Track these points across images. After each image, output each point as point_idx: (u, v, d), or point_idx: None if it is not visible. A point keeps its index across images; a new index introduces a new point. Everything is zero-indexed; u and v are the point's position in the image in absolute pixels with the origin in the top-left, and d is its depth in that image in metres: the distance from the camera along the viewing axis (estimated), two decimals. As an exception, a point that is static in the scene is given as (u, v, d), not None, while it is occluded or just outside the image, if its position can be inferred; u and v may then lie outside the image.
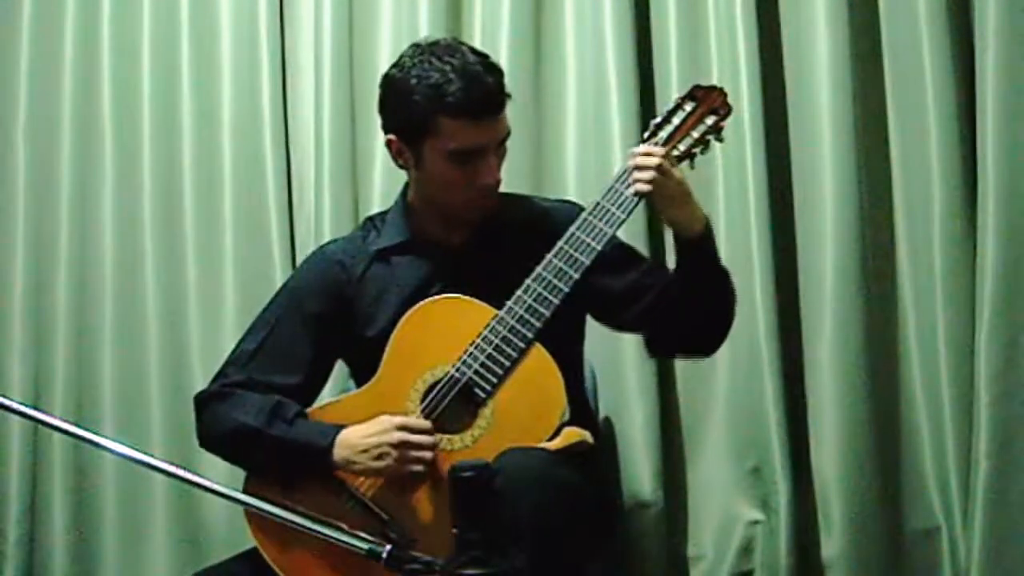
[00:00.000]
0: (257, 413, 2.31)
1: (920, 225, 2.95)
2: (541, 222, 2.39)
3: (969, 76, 2.91)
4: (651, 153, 2.29)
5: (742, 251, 2.99)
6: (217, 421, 2.37)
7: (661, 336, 2.45)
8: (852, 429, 2.92)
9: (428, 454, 2.23)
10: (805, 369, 2.98)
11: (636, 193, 2.27)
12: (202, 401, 2.41)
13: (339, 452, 2.26)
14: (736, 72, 2.97)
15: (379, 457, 2.24)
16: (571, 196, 3.02)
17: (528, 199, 2.56)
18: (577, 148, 3.11)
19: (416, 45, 2.36)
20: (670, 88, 3.00)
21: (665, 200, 2.30)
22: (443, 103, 2.27)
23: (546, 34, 3.14)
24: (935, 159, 2.93)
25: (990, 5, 2.82)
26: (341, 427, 2.28)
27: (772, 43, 3.02)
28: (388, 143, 2.38)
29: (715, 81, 2.97)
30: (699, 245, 2.32)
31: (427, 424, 2.25)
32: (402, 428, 2.24)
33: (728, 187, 3.02)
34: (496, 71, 2.32)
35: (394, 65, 2.37)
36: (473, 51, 2.34)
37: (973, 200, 2.89)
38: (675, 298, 2.34)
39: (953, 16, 2.93)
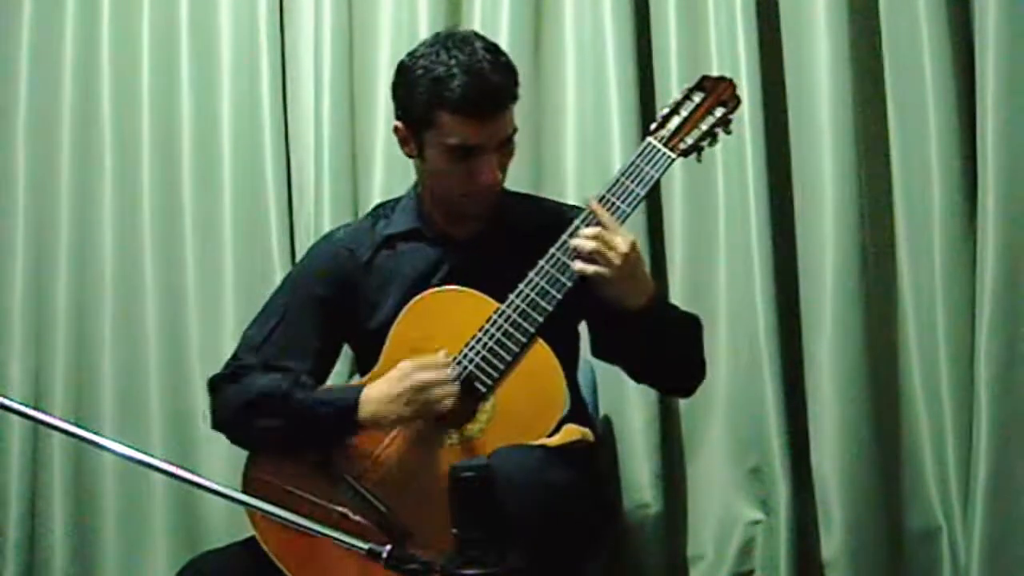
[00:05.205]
0: (277, 385, 2.31)
1: (920, 225, 2.95)
2: (551, 223, 2.35)
3: (969, 76, 2.90)
4: (589, 236, 2.22)
5: (742, 251, 2.99)
6: (236, 395, 2.35)
7: (634, 374, 2.45)
8: (852, 429, 2.92)
9: (454, 388, 2.22)
10: (805, 369, 2.97)
11: (578, 272, 2.22)
12: (217, 383, 2.41)
13: (365, 407, 2.26)
14: (736, 72, 2.96)
15: (408, 403, 2.23)
16: (570, 195, 3.03)
17: (540, 200, 2.56)
18: (577, 147, 3.11)
19: (436, 35, 2.36)
20: (670, 88, 3.00)
21: (606, 281, 2.22)
22: (442, 97, 2.25)
23: (546, 34, 3.14)
24: (935, 159, 2.93)
25: (990, 5, 2.82)
26: (361, 386, 2.28)
27: (772, 43, 3.02)
28: (395, 129, 2.37)
29: (715, 81, 2.98)
30: (636, 318, 2.26)
31: (442, 359, 2.24)
32: (421, 368, 2.23)
33: (728, 187, 3.02)
34: (504, 70, 2.29)
35: (409, 53, 2.36)
36: (487, 47, 2.31)
37: (973, 200, 2.89)
38: (629, 346, 2.33)
39: (953, 16, 2.93)
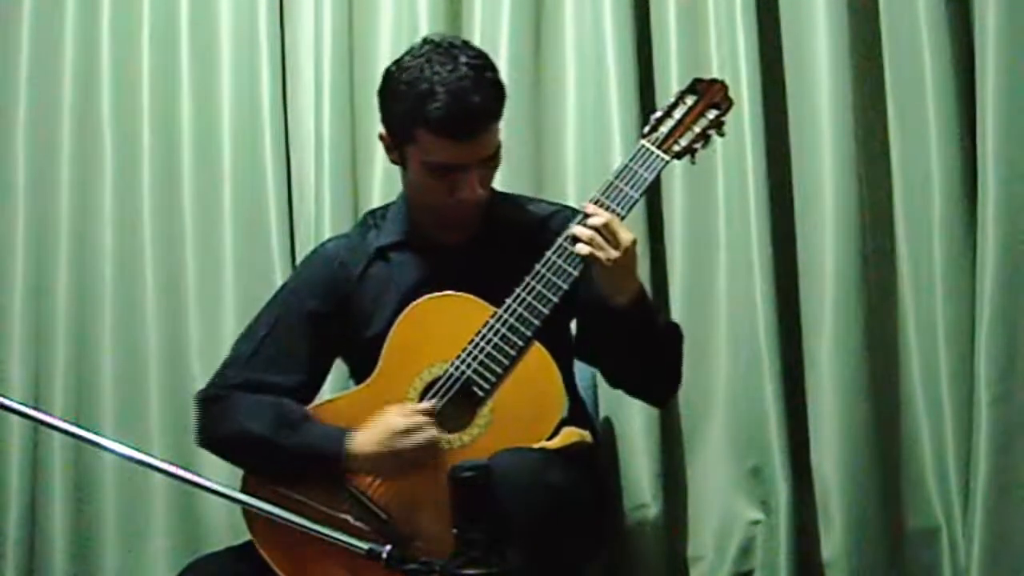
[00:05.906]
0: (261, 419, 2.30)
1: (920, 225, 2.95)
2: (542, 225, 2.36)
3: (969, 77, 2.90)
4: (597, 215, 2.23)
5: (742, 251, 2.99)
6: (220, 424, 2.36)
7: (610, 377, 2.44)
8: (852, 429, 2.91)
9: (434, 453, 2.22)
10: (805, 369, 2.97)
11: (579, 255, 2.23)
12: (203, 403, 2.40)
13: (351, 462, 2.25)
14: (736, 72, 2.97)
15: (393, 465, 2.23)
16: (571, 193, 3.04)
17: (531, 201, 2.54)
18: (577, 146, 3.11)
19: (425, 41, 2.32)
20: (670, 87, 2.99)
21: (604, 268, 2.23)
22: (423, 117, 2.24)
23: (546, 33, 3.14)
24: (935, 159, 2.92)
25: (990, 5, 2.82)
26: (347, 431, 2.27)
27: (772, 43, 3.02)
28: (380, 136, 2.38)
29: (715, 80, 2.98)
30: (621, 315, 2.27)
31: (428, 419, 2.23)
32: (409, 432, 2.22)
33: (728, 186, 3.02)
34: (488, 86, 2.26)
35: (396, 60, 2.34)
36: (471, 61, 2.26)
37: (973, 200, 2.89)
38: (611, 346, 2.33)
39: (953, 16, 2.93)
